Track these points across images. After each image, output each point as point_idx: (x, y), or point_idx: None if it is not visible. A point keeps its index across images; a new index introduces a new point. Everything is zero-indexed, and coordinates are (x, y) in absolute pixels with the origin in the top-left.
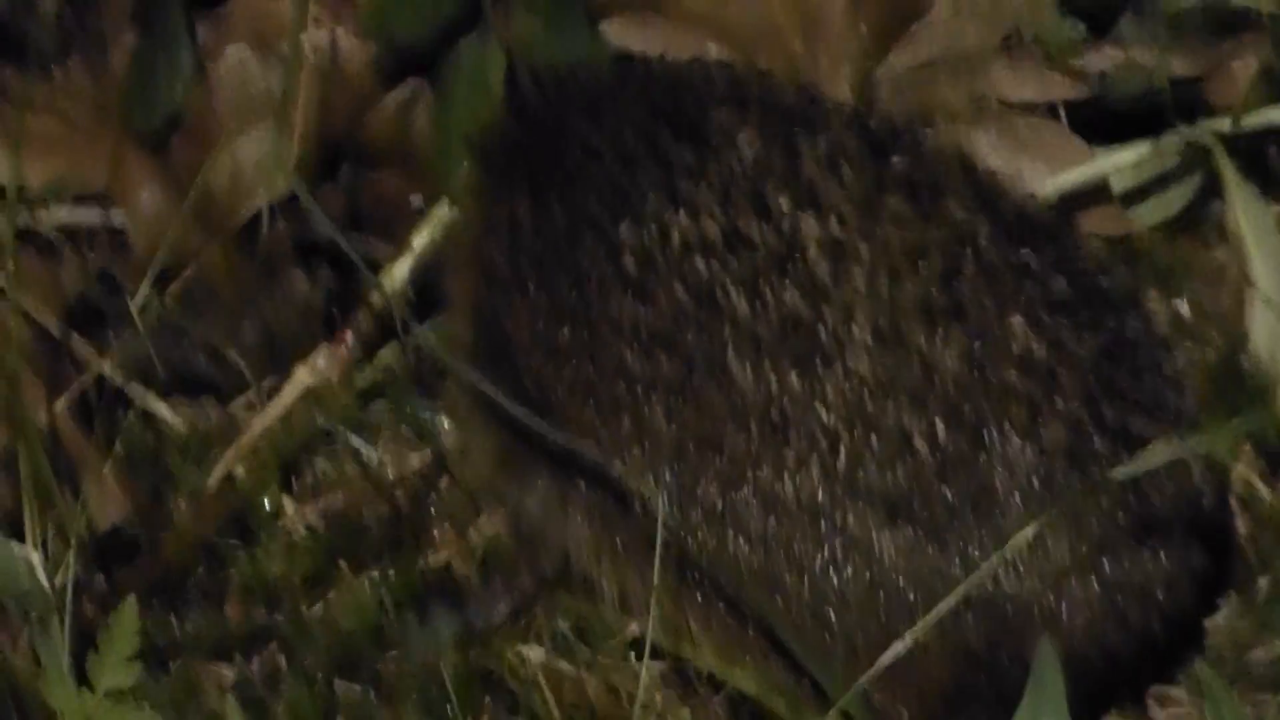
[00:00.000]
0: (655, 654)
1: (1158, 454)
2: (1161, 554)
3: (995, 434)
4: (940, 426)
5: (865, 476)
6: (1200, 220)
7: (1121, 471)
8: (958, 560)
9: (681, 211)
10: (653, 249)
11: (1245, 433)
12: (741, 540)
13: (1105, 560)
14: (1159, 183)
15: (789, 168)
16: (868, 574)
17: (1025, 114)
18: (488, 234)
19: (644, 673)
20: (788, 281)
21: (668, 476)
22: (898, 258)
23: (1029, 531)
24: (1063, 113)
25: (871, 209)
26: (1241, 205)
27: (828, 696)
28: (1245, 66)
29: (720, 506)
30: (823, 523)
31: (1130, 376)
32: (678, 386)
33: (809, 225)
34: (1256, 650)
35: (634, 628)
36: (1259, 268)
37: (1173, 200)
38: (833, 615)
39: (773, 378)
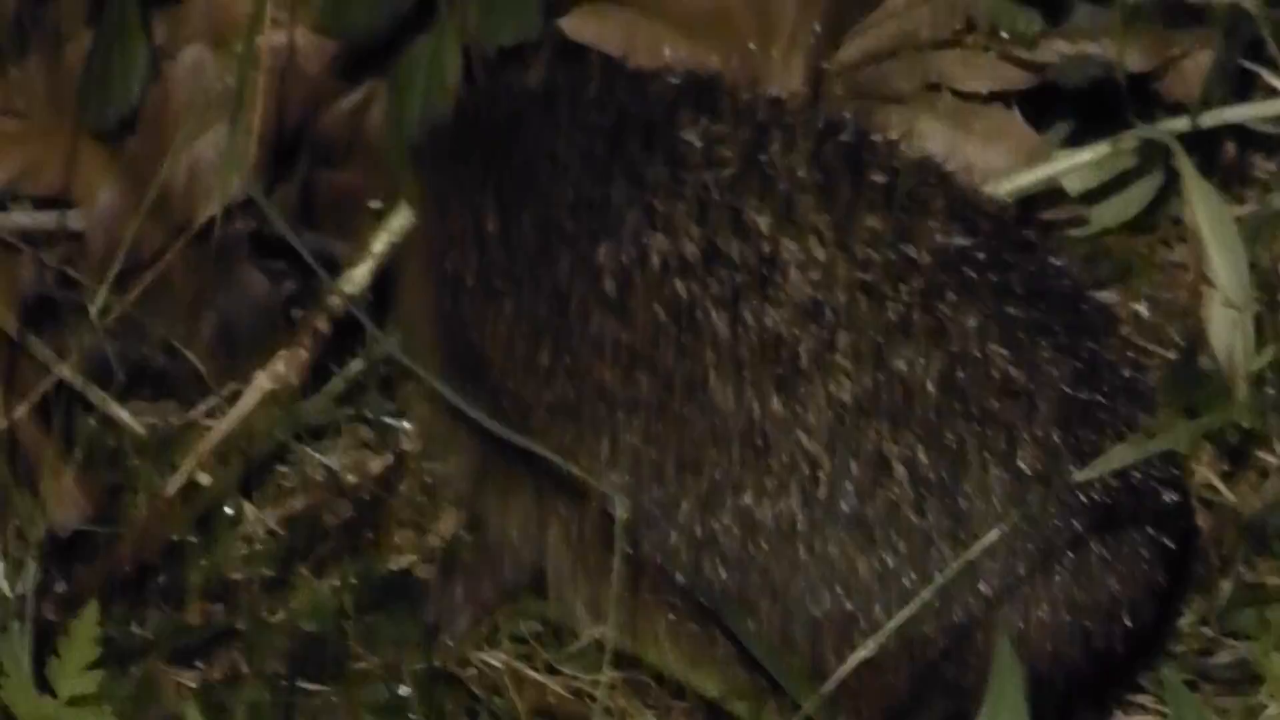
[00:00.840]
0: (620, 660)
1: (1119, 456)
2: (1123, 557)
3: (973, 460)
4: (920, 451)
5: (844, 502)
6: (1159, 218)
7: (1082, 473)
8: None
9: (659, 234)
10: (632, 270)
11: (1204, 433)
12: (718, 563)
13: (1068, 565)
14: (1117, 182)
15: (765, 185)
16: (846, 601)
17: (978, 104)
18: (451, 245)
19: (604, 676)
20: (768, 303)
21: (646, 501)
22: (878, 278)
23: (991, 536)
24: (1015, 104)
25: (851, 227)
26: (1200, 203)
27: (791, 702)
28: (1199, 62)
29: (699, 530)
30: (800, 548)
31: (1105, 400)
32: (657, 408)
33: (788, 245)
34: (1220, 654)
35: (595, 631)
36: (1217, 265)
37: (1132, 200)
38: (806, 639)
39: (754, 401)
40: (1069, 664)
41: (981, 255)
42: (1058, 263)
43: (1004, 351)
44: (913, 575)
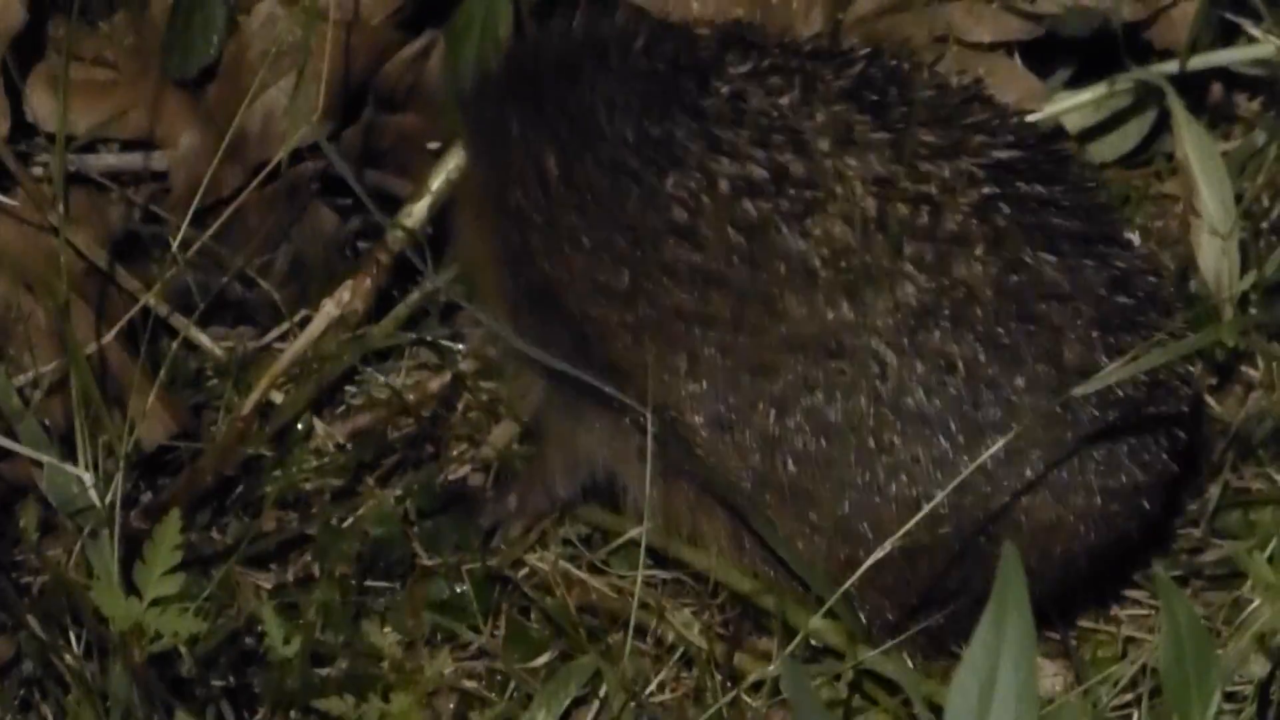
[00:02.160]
0: (660, 560)
1: (1123, 368)
2: (1134, 456)
3: (1026, 357)
4: (979, 350)
5: (910, 398)
6: (1152, 154)
7: (1089, 383)
8: (983, 477)
9: (725, 158)
10: (700, 195)
11: (1196, 349)
12: (789, 460)
13: (1083, 463)
14: (1114, 121)
15: (822, 107)
16: (910, 489)
17: (983, 52)
18: (512, 184)
19: (640, 572)
20: (836, 216)
21: (722, 408)
22: (938, 189)
23: (1004, 441)
24: (1017, 53)
25: (907, 142)
26: (1189, 140)
27: (816, 597)
28: (1187, 10)
29: (774, 430)
30: (870, 440)
31: (1133, 304)
32: (732, 321)
33: (850, 162)
34: (1207, 554)
35: (633, 532)
36: (1205, 197)
37: (1127, 137)
38: (870, 532)
39: (826, 308)
40: (1085, 542)
41: (1026, 168)
42: (1088, 177)
43: (1050, 258)
44: (967, 460)
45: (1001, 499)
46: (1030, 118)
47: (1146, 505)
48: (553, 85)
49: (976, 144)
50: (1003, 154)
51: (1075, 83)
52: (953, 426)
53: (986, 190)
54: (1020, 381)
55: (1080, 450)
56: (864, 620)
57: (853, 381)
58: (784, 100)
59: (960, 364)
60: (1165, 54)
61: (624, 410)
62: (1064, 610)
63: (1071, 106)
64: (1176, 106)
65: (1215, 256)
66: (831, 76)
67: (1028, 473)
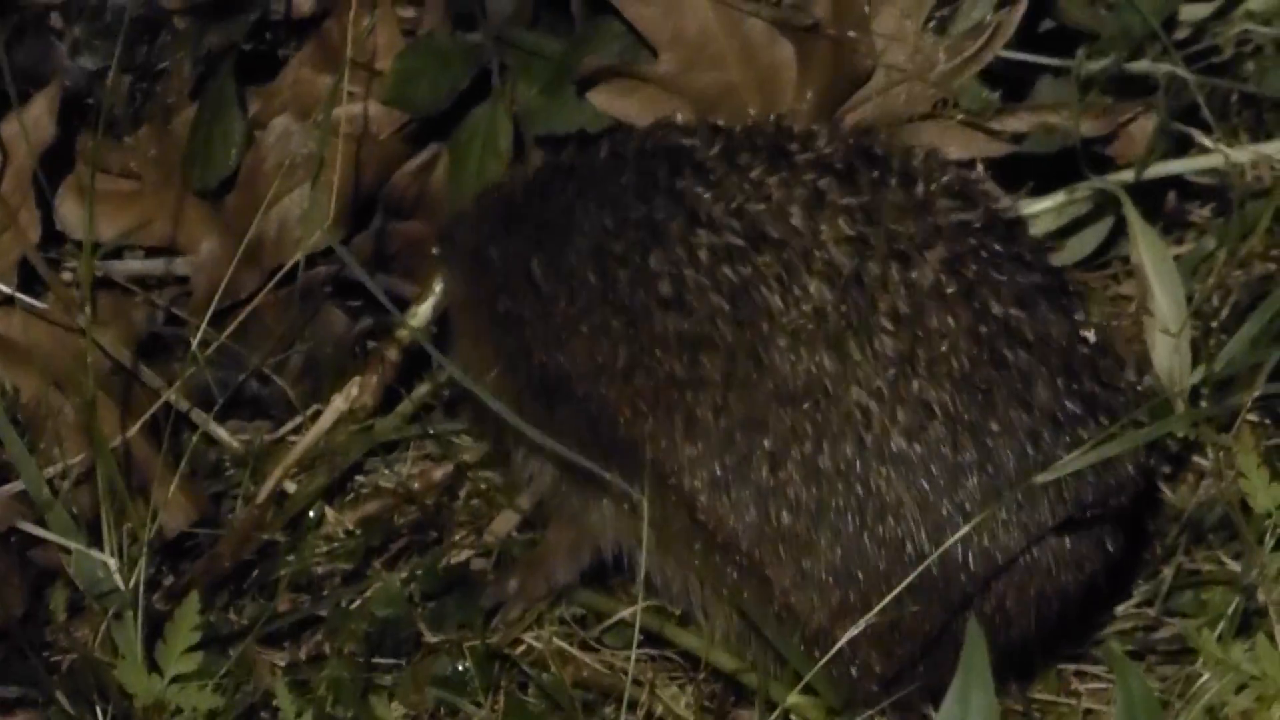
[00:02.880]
0: (650, 640)
1: (1084, 457)
2: (1091, 536)
3: (999, 401)
4: (955, 396)
5: (892, 443)
6: (1109, 258)
7: (1056, 468)
8: (960, 515)
9: (703, 231)
10: (682, 267)
11: (1150, 441)
12: (784, 510)
13: (1048, 538)
14: (1074, 226)
15: (793, 176)
16: (895, 529)
17: (954, 167)
18: (499, 294)
19: (634, 650)
20: (814, 275)
21: (718, 467)
22: (909, 247)
23: (986, 514)
24: (982, 167)
25: (877, 206)
26: (1144, 244)
27: (793, 672)
28: (1145, 125)
29: (770, 482)
30: (856, 486)
31: (1090, 354)
32: (722, 382)
33: (823, 227)
34: (1160, 631)
35: (625, 612)
36: (1159, 297)
37: (1086, 241)
38: (860, 574)
39: (809, 362)
40: (1041, 613)
41: (991, 227)
42: (1035, 239)
43: (1019, 311)
44: (949, 503)
45: (980, 542)
46: None
47: (1110, 546)
48: (525, 202)
49: (943, 205)
50: (967, 215)
51: (1038, 192)
52: (934, 469)
53: (953, 246)
54: (994, 425)
55: (1032, 539)
56: (853, 675)
57: (839, 430)
58: (754, 174)
59: (938, 409)
60: (1123, 166)
61: (630, 485)
62: (1025, 683)
63: (1035, 213)
64: (1132, 213)
65: (1168, 353)
66: (798, 149)
67: (1003, 515)
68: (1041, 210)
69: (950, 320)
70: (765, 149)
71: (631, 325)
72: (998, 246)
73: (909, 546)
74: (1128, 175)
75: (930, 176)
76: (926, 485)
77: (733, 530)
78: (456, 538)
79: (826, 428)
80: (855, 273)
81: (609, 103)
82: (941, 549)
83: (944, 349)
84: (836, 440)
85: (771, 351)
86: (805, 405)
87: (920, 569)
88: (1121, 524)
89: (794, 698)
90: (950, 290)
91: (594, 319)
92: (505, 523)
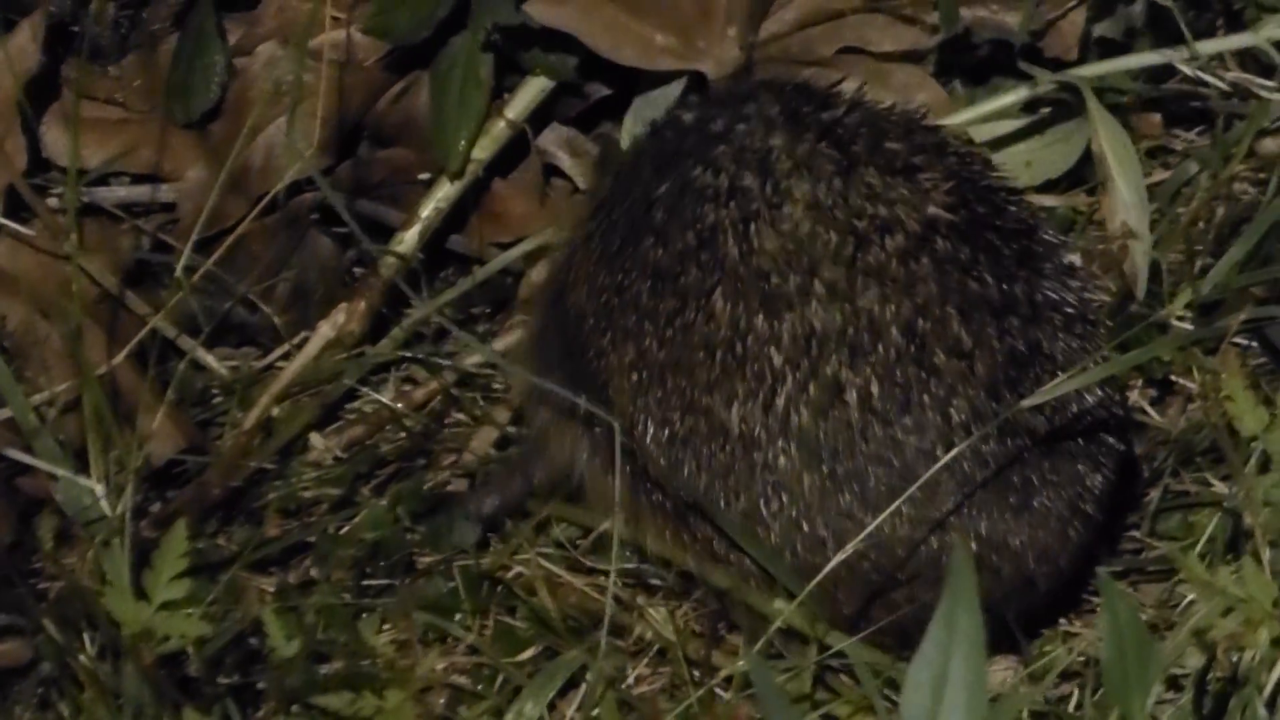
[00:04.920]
0: (636, 557)
1: (1063, 384)
2: (1074, 471)
3: (915, 401)
4: (873, 384)
5: (796, 418)
6: (1087, 175)
7: (1029, 400)
8: (865, 509)
9: (700, 167)
10: (675, 198)
11: (1135, 366)
12: (692, 461)
13: (1019, 485)
14: (1028, 132)
15: (796, 136)
16: (791, 509)
17: (894, 63)
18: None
19: (613, 570)
20: (773, 229)
21: (651, 403)
22: (869, 228)
23: (942, 462)
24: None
25: (854, 180)
26: (1104, 133)
27: (785, 591)
28: (1074, 22)
29: (679, 426)
30: (755, 455)
31: (1032, 382)
32: (672, 319)
33: (799, 185)
34: (1147, 553)
35: (604, 525)
36: (1120, 186)
37: (1070, 154)
38: (765, 537)
39: (742, 315)
40: (1025, 573)
41: (963, 229)
42: (1040, 245)
43: (959, 317)
44: (850, 493)
45: (921, 525)
46: (953, 120)
47: (1072, 535)
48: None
49: (920, 197)
50: (942, 213)
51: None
52: (839, 453)
53: (913, 240)
54: (908, 421)
55: (1003, 480)
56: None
57: (749, 390)
58: (762, 127)
59: (853, 393)
60: (1056, 65)
61: (583, 418)
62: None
63: (992, 111)
64: (1092, 102)
65: (1144, 268)
66: (812, 110)
67: (939, 506)
68: (1002, 107)
69: (889, 309)
70: (782, 109)
71: (626, 246)
72: (963, 253)
73: (806, 529)
74: (1090, 69)
75: (925, 161)
76: (829, 470)
77: (664, 469)
78: (444, 462)
79: (739, 384)
80: (809, 236)
81: (545, 13)
82: (915, 486)
83: (872, 334)
84: (745, 399)
85: (714, 300)
86: (726, 360)
87: (902, 499)
88: (1109, 453)
89: (781, 605)
90: (894, 278)
91: (606, 242)
92: (484, 439)
